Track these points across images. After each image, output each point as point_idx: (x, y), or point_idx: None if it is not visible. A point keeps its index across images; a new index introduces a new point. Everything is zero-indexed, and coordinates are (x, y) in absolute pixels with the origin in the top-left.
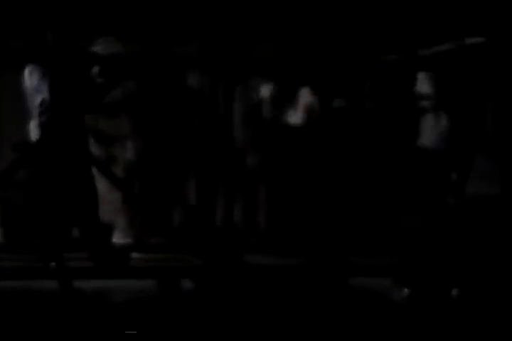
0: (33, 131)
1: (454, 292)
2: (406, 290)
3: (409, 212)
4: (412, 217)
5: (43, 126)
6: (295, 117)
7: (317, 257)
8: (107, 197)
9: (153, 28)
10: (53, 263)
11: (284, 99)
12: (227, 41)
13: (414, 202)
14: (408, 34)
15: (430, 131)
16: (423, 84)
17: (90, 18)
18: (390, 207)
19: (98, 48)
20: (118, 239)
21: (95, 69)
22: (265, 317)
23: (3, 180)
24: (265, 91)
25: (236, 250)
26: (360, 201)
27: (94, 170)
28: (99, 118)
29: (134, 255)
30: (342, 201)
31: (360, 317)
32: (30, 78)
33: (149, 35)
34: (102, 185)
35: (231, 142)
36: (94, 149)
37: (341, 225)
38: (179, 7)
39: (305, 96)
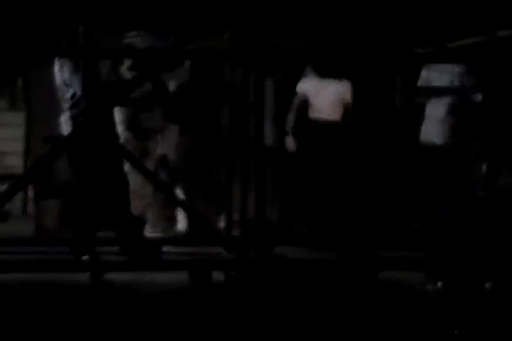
0: (64, 125)
1: (488, 285)
2: (439, 283)
3: (441, 205)
4: (444, 209)
5: (74, 120)
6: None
7: (348, 251)
8: (139, 191)
9: (183, 20)
10: (86, 257)
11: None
12: (258, 33)
13: (445, 195)
14: (437, 27)
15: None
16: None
17: (121, 11)
18: (421, 200)
19: (135, 41)
20: (150, 232)
21: (127, 63)
22: (295, 310)
23: (36, 174)
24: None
25: (267, 243)
26: (391, 194)
27: (127, 164)
28: (136, 112)
29: (166, 248)
30: (373, 195)
31: (392, 309)
32: (61, 72)
33: (180, 28)
34: (133, 179)
35: (261, 136)
36: (127, 143)
37: (372, 218)
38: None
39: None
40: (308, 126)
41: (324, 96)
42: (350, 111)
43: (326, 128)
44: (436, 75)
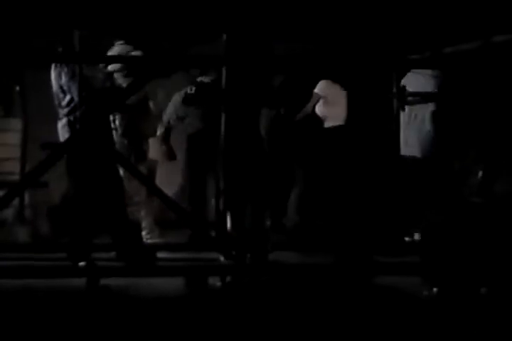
0: (61, 131)
1: (483, 290)
2: (434, 288)
3: (437, 210)
4: (440, 214)
5: (71, 126)
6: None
7: (344, 256)
8: (135, 197)
9: (177, 26)
10: (82, 263)
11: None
12: (254, 37)
13: (441, 200)
14: (433, 32)
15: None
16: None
17: (116, 17)
18: (417, 205)
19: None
20: (146, 238)
21: (122, 69)
22: (292, 315)
23: (32, 180)
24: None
25: (262, 249)
26: (386, 199)
27: (122, 170)
28: (131, 117)
29: (162, 254)
30: (367, 200)
31: (387, 315)
32: (57, 78)
33: (174, 34)
34: (129, 185)
35: (259, 143)
36: (122, 147)
37: (367, 224)
38: (203, 5)
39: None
40: (324, 133)
41: (341, 102)
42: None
43: (340, 133)
44: (422, 79)
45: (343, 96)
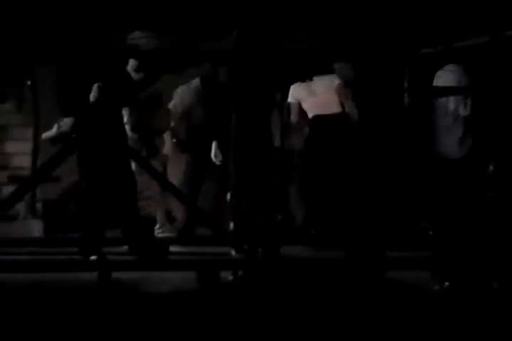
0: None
1: (495, 285)
2: (446, 283)
3: (449, 205)
4: (452, 209)
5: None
6: None
7: (354, 250)
8: (146, 191)
9: (188, 22)
10: (94, 257)
11: None
12: (263, 35)
13: (454, 195)
14: (445, 27)
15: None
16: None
17: (127, 11)
18: (428, 200)
19: (140, 42)
20: (158, 232)
21: (134, 64)
22: (303, 309)
23: (44, 174)
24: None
25: (274, 243)
26: (397, 194)
27: (134, 165)
28: (142, 112)
29: (174, 248)
30: (378, 194)
31: (397, 309)
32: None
33: (184, 29)
34: (140, 180)
35: (268, 139)
36: (134, 142)
37: (379, 218)
38: (214, 1)
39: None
40: (311, 124)
41: (317, 93)
42: (346, 98)
43: (329, 122)
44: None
45: (320, 85)
